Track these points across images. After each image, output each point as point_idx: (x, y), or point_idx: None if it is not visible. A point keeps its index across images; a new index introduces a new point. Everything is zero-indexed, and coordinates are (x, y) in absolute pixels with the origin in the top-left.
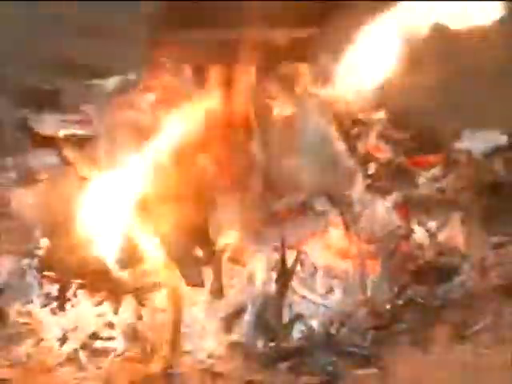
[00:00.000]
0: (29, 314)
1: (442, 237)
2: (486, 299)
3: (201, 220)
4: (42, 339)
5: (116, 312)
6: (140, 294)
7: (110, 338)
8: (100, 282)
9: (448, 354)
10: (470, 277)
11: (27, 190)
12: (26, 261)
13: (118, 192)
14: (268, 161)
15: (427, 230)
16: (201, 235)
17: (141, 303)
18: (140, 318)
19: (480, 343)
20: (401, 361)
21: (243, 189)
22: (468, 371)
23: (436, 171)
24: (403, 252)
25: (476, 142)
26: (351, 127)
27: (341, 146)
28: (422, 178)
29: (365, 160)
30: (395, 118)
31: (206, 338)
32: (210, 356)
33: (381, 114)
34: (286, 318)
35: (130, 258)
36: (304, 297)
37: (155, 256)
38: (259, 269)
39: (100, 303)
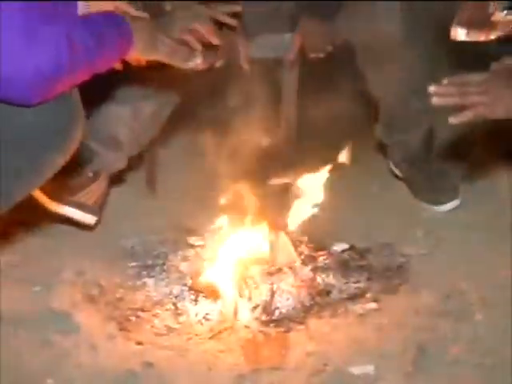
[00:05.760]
0: (184, 305)
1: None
2: (348, 300)
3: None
4: (188, 315)
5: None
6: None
7: (210, 314)
8: (208, 294)
9: (333, 317)
10: (336, 293)
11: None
12: (182, 287)
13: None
14: None
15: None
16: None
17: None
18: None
19: (349, 314)
20: (316, 320)
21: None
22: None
23: (323, 258)
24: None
25: (337, 247)
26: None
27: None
28: (321, 259)
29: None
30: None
31: (244, 315)
32: (246, 320)
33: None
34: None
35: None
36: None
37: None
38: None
39: (209, 302)
